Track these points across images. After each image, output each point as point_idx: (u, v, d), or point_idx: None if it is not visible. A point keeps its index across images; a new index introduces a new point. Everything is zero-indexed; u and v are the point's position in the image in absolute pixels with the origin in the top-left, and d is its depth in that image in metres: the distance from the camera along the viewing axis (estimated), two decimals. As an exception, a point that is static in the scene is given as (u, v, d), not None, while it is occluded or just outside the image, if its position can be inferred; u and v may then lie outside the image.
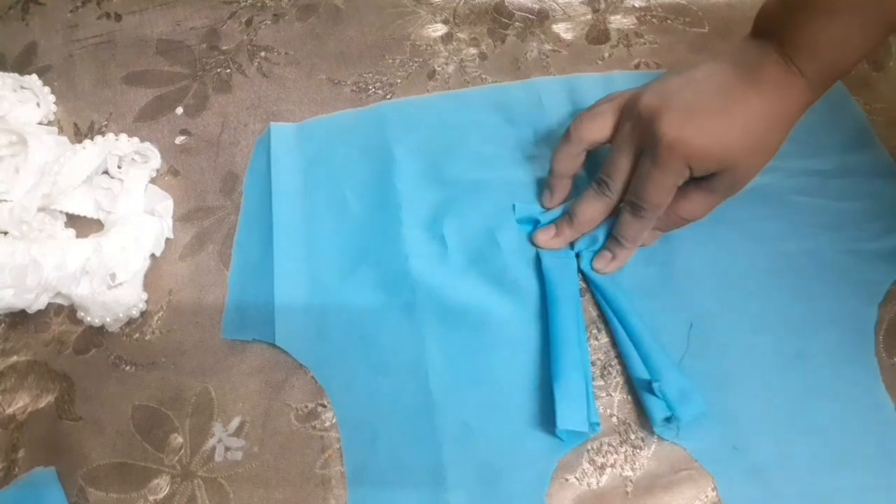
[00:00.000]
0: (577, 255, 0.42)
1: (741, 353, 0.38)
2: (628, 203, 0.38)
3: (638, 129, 0.36)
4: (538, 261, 0.41)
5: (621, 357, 0.39)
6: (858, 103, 0.48)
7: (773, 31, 0.35)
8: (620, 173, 0.38)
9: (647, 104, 0.36)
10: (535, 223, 0.42)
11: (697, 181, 0.36)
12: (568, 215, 0.41)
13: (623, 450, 0.37)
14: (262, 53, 0.52)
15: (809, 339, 0.39)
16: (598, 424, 0.36)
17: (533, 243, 0.42)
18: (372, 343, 0.40)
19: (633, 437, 0.37)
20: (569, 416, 0.35)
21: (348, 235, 0.43)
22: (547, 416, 0.37)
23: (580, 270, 0.41)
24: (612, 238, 0.40)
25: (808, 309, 0.40)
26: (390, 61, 0.51)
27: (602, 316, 0.40)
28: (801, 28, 0.33)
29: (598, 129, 0.39)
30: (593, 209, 0.40)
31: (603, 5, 0.53)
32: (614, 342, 0.39)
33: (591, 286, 0.41)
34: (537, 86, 0.48)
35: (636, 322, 0.38)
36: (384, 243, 0.42)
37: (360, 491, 0.36)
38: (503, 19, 0.53)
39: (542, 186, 0.43)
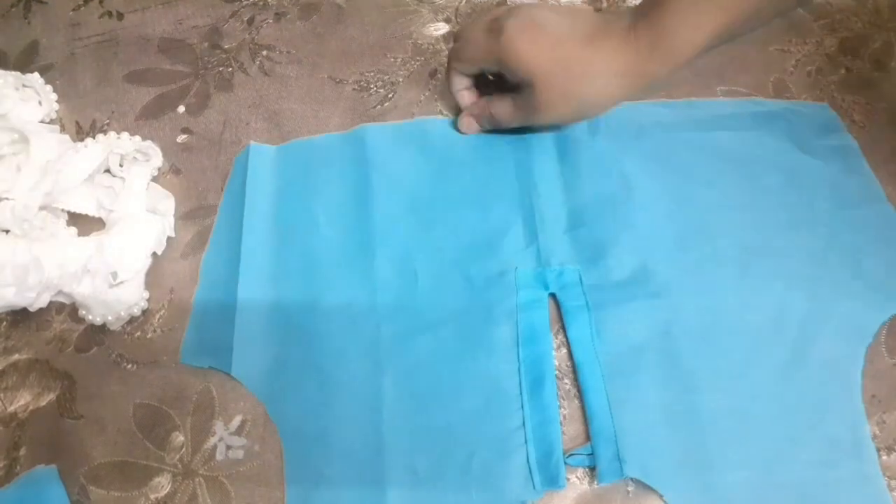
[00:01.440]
0: (552, 295, 0.41)
1: (722, 396, 0.37)
2: None
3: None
4: (511, 301, 0.40)
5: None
6: (860, 103, 0.48)
7: (634, 9, 0.37)
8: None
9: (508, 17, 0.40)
10: (540, 288, 0.40)
11: (514, 91, 0.41)
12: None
13: (624, 449, 0.37)
14: (264, 52, 0.52)
15: (793, 383, 0.37)
16: (566, 480, 0.35)
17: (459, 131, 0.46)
18: (328, 380, 0.38)
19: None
20: (546, 478, 0.35)
21: (317, 264, 0.42)
22: (502, 470, 0.36)
23: (560, 306, 0.40)
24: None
25: (793, 352, 0.38)
26: (392, 60, 0.51)
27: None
28: (655, 15, 0.36)
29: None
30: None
31: (604, 5, 0.53)
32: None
33: (564, 329, 0.40)
34: None
35: (593, 381, 0.37)
36: (353, 275, 0.41)
37: None
38: (505, 18, 0.53)
39: (524, 220, 0.43)
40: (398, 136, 0.47)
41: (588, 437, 0.37)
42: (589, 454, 0.36)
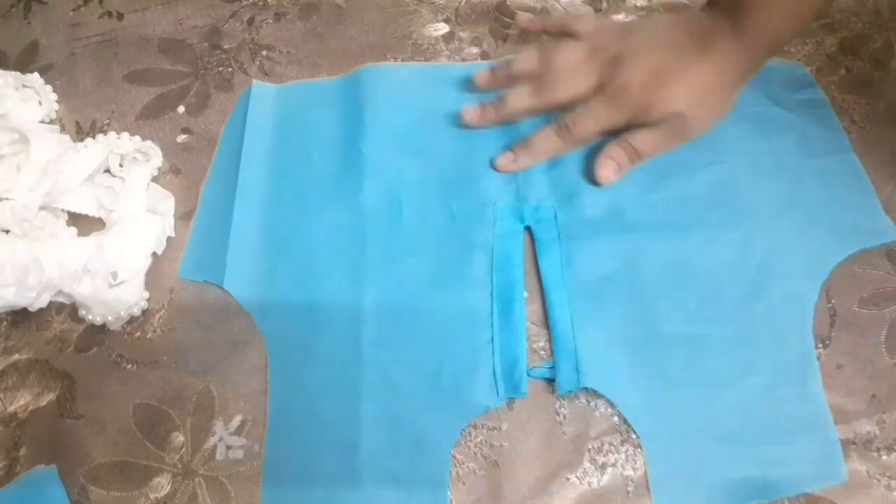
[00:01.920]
0: (527, 228, 0.43)
1: (681, 323, 0.39)
2: (559, 122, 0.42)
3: (607, 79, 0.41)
4: (488, 232, 0.42)
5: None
6: (860, 103, 0.48)
7: (725, 6, 0.40)
8: (587, 124, 0.42)
9: (616, 57, 0.41)
10: (517, 221, 0.43)
11: (651, 124, 0.41)
12: (525, 143, 0.43)
13: (624, 449, 0.37)
14: (264, 52, 0.52)
15: (750, 314, 0.39)
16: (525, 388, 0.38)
17: (494, 168, 0.44)
18: (313, 296, 0.41)
19: (633, 436, 0.37)
20: (509, 387, 0.38)
21: (309, 193, 0.44)
22: (469, 379, 0.38)
23: (534, 238, 0.42)
24: (524, 141, 0.43)
25: (752, 286, 0.40)
26: (392, 60, 0.51)
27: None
28: (750, 4, 0.38)
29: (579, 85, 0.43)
30: (551, 144, 0.43)
31: (605, 5, 0.53)
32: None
33: (537, 259, 0.42)
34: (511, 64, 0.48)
35: (559, 303, 0.40)
36: (342, 204, 0.44)
37: (279, 431, 0.38)
38: (505, 18, 0.53)
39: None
40: (393, 77, 0.49)
41: (552, 354, 0.39)
42: (550, 367, 0.38)
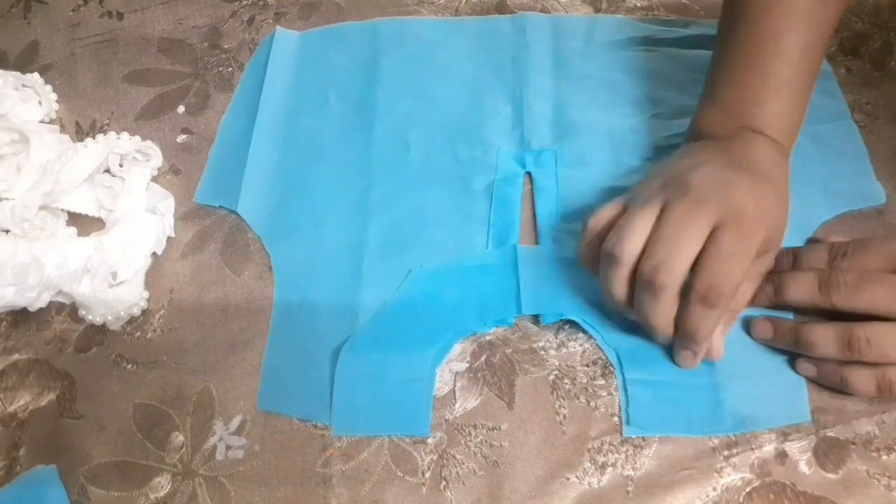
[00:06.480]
0: (528, 174, 0.45)
1: None
2: (698, 293, 0.33)
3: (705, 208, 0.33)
4: (490, 175, 0.45)
5: None
6: (860, 103, 0.48)
7: (731, 126, 0.39)
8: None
9: (701, 183, 0.34)
10: (518, 166, 0.45)
11: None
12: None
13: (624, 449, 0.37)
14: (264, 52, 0.52)
15: None
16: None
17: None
18: (320, 224, 0.44)
19: (633, 436, 0.37)
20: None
21: (323, 131, 0.47)
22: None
23: (534, 182, 0.45)
24: (685, 337, 0.35)
25: None
26: (392, 60, 0.51)
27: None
28: (762, 110, 0.38)
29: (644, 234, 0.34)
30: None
31: (605, 4, 0.53)
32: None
33: (535, 204, 0.44)
34: (524, 20, 0.51)
35: (549, 236, 0.42)
36: (353, 143, 0.47)
37: (279, 340, 0.40)
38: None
39: (513, 107, 0.47)
40: (408, 30, 0.52)
41: None
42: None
